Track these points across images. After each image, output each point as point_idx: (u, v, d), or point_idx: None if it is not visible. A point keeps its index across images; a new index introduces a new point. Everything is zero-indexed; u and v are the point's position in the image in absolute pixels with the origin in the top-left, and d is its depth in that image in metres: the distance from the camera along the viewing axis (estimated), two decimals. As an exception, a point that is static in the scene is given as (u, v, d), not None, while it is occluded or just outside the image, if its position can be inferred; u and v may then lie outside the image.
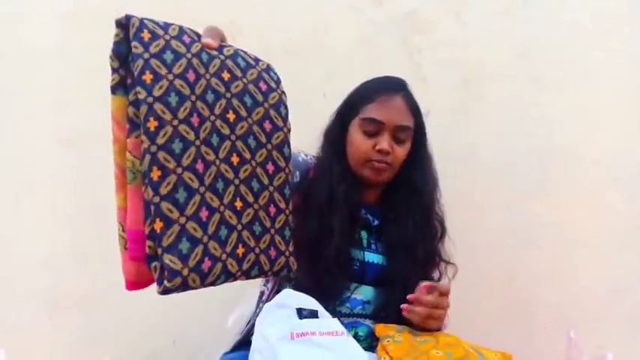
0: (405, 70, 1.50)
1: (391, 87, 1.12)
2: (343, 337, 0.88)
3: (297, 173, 1.11)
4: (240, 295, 1.29)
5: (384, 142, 1.09)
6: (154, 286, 1.45)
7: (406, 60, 1.51)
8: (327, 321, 0.91)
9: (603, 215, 1.49)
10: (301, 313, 0.90)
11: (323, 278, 1.02)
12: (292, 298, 0.92)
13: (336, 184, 1.10)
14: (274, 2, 1.50)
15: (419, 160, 1.16)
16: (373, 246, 1.15)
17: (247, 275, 0.78)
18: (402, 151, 1.12)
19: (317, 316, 0.92)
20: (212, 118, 0.76)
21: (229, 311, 1.31)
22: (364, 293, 1.12)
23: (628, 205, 1.49)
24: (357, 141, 1.11)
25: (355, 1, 1.50)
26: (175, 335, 1.38)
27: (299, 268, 0.99)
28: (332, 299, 1.07)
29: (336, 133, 1.15)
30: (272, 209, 0.81)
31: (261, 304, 1.16)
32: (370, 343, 1.10)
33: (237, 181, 0.78)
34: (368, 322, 1.12)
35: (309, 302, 0.93)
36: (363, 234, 1.15)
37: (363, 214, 1.15)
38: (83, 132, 1.49)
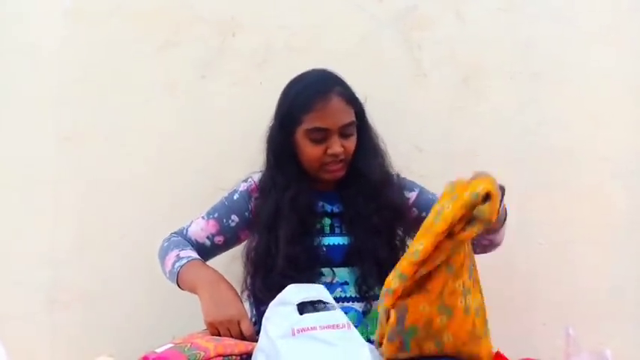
0: (404, 66, 1.51)
1: (323, 89, 1.13)
2: (344, 329, 0.89)
3: (234, 216, 1.21)
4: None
5: (335, 145, 1.12)
6: (153, 284, 1.46)
7: (406, 56, 1.50)
8: (328, 314, 0.91)
9: (604, 212, 1.49)
10: (303, 309, 0.91)
11: (282, 285, 1.04)
12: (296, 292, 0.92)
13: (280, 196, 1.15)
14: (275, -2, 1.50)
15: (363, 142, 1.19)
16: (337, 229, 1.19)
17: None
18: (351, 144, 1.16)
19: (320, 307, 0.92)
20: None
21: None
22: (339, 275, 1.16)
23: (629, 203, 1.49)
24: (308, 150, 1.14)
25: (356, -3, 1.51)
26: (174, 331, 1.38)
27: (256, 285, 1.12)
28: None
29: (279, 143, 1.18)
30: None
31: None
32: (362, 331, 1.10)
33: None
34: (356, 305, 1.15)
35: (317, 293, 0.93)
36: (326, 221, 1.19)
37: (320, 206, 1.19)
38: (84, 129, 1.49)
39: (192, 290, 1.11)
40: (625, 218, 1.50)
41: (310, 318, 0.89)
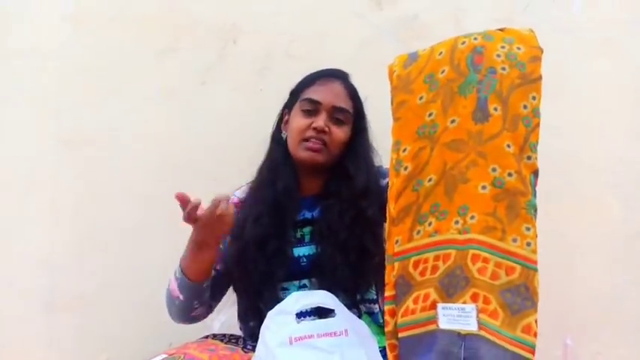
0: (404, 74, 1.51)
1: (330, 73, 1.16)
2: (342, 337, 0.88)
3: (225, 241, 1.15)
4: (227, 299, 1.28)
5: (320, 120, 1.10)
6: (150, 289, 1.45)
7: (406, 65, 1.51)
8: (326, 322, 0.90)
9: (602, 222, 1.49)
10: (301, 317, 0.90)
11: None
12: (296, 301, 0.92)
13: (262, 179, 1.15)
14: (276, 6, 1.51)
15: (356, 148, 1.15)
16: (315, 237, 1.13)
17: None
18: (339, 133, 1.12)
19: (321, 314, 0.92)
20: None
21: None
22: (299, 285, 1.10)
23: (627, 212, 1.49)
24: (295, 121, 1.13)
25: (356, 5, 1.51)
26: (171, 337, 1.38)
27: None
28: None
29: (277, 127, 1.21)
30: None
31: None
32: None
33: None
34: None
35: (319, 299, 0.93)
36: (306, 230, 1.14)
37: (302, 214, 1.15)
38: (83, 133, 1.50)
39: (192, 252, 1.06)
40: (623, 228, 1.49)
41: (307, 326, 0.89)
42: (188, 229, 1.43)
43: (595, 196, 1.50)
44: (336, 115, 1.12)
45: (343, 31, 1.50)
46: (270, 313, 0.93)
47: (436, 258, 0.80)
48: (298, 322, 0.89)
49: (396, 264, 0.82)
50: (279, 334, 0.87)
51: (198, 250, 1.04)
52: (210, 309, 1.16)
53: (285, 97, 1.46)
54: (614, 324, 1.49)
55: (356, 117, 1.16)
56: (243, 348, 1.01)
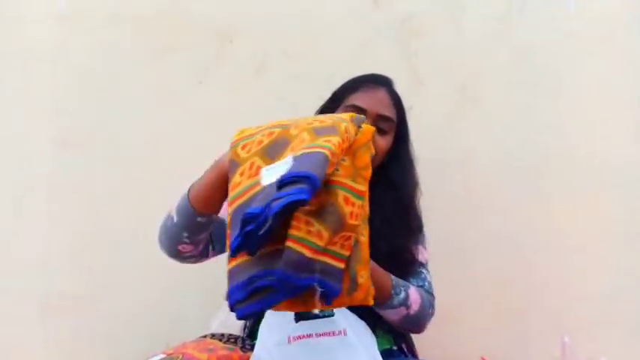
0: (402, 74, 1.50)
1: (376, 79, 1.15)
2: (341, 336, 0.88)
3: None
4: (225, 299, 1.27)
5: None
6: (147, 291, 1.44)
7: (403, 64, 1.51)
8: (325, 321, 0.90)
9: (600, 221, 1.49)
10: (299, 316, 0.90)
11: None
12: None
13: None
14: (273, 6, 1.51)
15: (400, 157, 1.15)
16: None
17: None
18: (383, 142, 1.11)
19: (319, 314, 0.91)
20: None
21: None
22: None
23: (625, 211, 1.50)
24: None
25: (353, 5, 1.51)
26: (168, 338, 1.37)
27: None
28: None
29: None
30: None
31: None
32: None
33: None
34: None
35: None
36: None
37: None
38: (79, 134, 1.49)
39: (209, 182, 0.95)
40: (621, 226, 1.50)
41: (306, 325, 0.88)
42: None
43: (591, 194, 1.51)
44: (379, 124, 1.09)
45: (340, 30, 1.50)
46: (268, 312, 0.92)
47: (262, 136, 0.81)
48: (297, 321, 0.88)
49: (231, 152, 0.83)
50: (278, 333, 0.87)
51: (217, 173, 0.92)
52: (200, 253, 1.05)
53: (281, 96, 1.47)
54: (613, 324, 1.49)
55: (399, 125, 1.15)
56: (241, 347, 1.00)
